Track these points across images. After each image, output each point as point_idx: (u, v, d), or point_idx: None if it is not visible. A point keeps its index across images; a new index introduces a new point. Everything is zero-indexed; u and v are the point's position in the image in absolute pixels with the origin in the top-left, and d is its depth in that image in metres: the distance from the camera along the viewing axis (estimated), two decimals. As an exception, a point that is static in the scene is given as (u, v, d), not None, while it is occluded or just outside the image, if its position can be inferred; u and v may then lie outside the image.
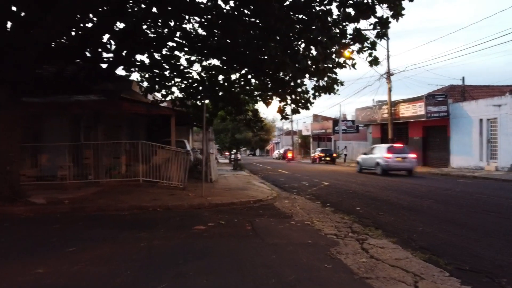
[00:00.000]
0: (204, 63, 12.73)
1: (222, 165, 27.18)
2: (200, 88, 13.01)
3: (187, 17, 10.67)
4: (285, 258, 5.17)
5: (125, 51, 11.36)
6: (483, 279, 4.53)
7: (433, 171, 23.43)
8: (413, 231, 7.03)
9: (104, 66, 11.76)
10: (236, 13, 9.39)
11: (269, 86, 12.05)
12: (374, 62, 9.35)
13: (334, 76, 10.32)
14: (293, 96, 11.98)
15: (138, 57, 11.71)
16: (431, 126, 27.78)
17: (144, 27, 11.00)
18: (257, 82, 12.69)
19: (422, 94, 27.24)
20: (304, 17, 8.75)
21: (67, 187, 11.61)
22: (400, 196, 12.14)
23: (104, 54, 11.36)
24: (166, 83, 13.08)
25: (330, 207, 9.84)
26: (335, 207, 9.79)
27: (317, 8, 8.59)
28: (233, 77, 12.91)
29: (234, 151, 33.95)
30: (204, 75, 12.91)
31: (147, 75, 12.96)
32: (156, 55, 11.90)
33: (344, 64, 9.77)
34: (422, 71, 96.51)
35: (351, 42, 9.00)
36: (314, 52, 9.42)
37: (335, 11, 8.57)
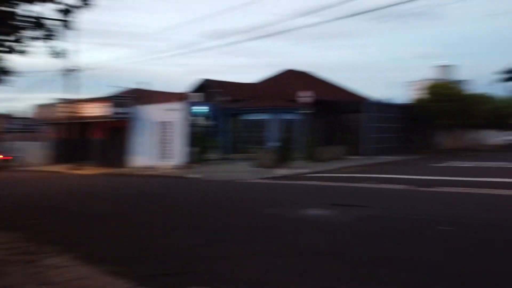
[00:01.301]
0: None
1: None
2: None
3: None
4: None
5: None
6: (168, 281, 4.55)
7: (112, 171, 23.66)
8: (95, 241, 6.63)
9: None
10: None
11: None
12: (56, 54, 8.52)
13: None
14: None
15: None
16: (115, 127, 28.05)
17: None
18: None
19: (106, 94, 27.17)
20: None
21: None
22: (86, 203, 11.52)
23: None
24: None
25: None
26: (4, 223, 8.12)
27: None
28: None
29: None
30: None
31: None
32: None
33: (15, 50, 8.28)
34: (110, 71, 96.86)
35: (27, 26, 7.75)
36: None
37: None
